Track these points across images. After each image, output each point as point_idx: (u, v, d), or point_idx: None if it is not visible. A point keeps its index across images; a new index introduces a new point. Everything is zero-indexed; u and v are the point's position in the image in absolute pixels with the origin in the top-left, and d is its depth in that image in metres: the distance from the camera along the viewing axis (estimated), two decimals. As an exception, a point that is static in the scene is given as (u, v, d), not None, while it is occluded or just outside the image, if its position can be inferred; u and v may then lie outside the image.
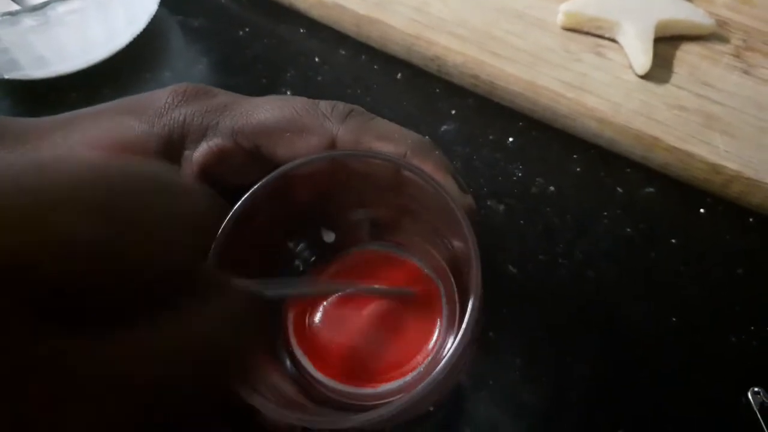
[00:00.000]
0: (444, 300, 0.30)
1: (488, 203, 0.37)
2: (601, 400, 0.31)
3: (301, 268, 0.30)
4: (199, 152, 0.27)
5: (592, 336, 0.33)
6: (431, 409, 0.31)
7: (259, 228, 0.27)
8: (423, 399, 0.21)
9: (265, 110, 0.27)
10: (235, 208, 0.25)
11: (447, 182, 0.27)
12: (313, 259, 0.31)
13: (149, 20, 0.45)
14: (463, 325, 0.23)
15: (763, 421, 0.30)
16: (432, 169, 0.26)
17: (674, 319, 0.33)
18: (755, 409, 0.30)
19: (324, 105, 0.28)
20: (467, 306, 0.23)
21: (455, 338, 0.23)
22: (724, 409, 0.31)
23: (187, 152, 0.27)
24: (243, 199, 0.25)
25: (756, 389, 0.31)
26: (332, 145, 0.27)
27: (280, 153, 0.27)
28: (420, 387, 0.21)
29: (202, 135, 0.27)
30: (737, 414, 0.30)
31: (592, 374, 0.32)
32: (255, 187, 0.25)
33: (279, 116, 0.27)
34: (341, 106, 0.28)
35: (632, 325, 0.33)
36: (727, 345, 0.33)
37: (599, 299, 0.34)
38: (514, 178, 0.38)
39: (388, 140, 0.27)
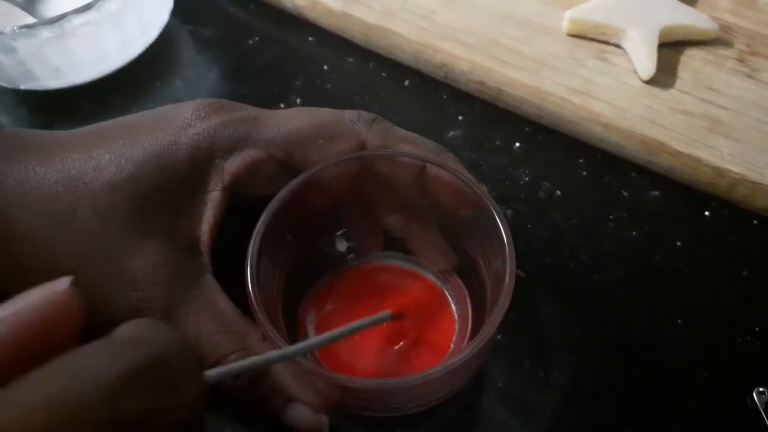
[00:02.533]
0: (454, 307, 0.31)
1: (496, 208, 0.38)
2: (608, 401, 0.32)
3: (324, 264, 0.32)
4: (231, 163, 0.28)
5: (599, 337, 0.33)
6: (442, 409, 0.32)
7: (288, 227, 0.28)
8: (453, 373, 0.23)
9: (295, 120, 0.29)
10: (271, 203, 0.27)
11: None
12: (336, 255, 0.32)
13: (161, 30, 0.46)
14: (500, 300, 0.25)
15: (769, 421, 0.30)
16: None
17: (680, 321, 0.34)
18: (760, 409, 0.31)
19: (350, 113, 0.30)
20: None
21: (490, 315, 0.24)
22: (730, 410, 0.31)
23: (217, 161, 0.28)
24: (279, 194, 0.27)
25: (761, 389, 0.31)
26: (362, 148, 0.29)
27: (313, 159, 0.29)
28: (456, 358, 0.23)
29: (233, 146, 0.28)
30: (743, 414, 0.31)
31: (598, 375, 0.32)
32: (289, 185, 0.28)
33: (309, 124, 0.29)
34: (365, 114, 0.30)
35: (638, 326, 0.34)
36: (732, 346, 0.33)
37: (606, 301, 0.35)
38: (521, 182, 0.39)
39: (411, 143, 0.30)
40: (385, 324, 0.29)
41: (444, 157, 0.30)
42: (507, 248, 0.25)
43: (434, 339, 0.30)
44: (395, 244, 0.32)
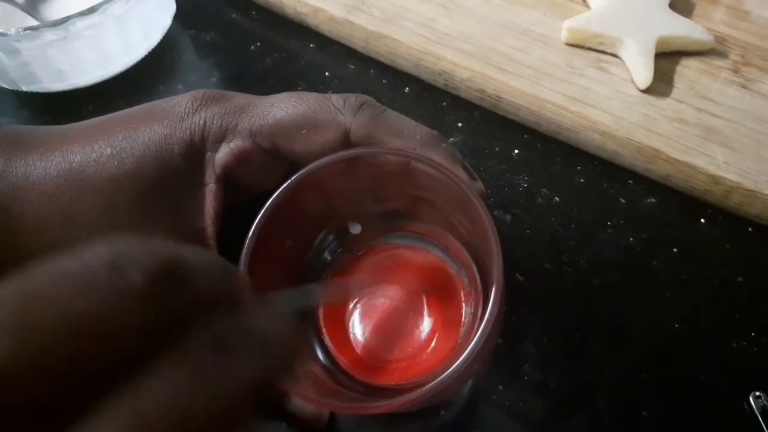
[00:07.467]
0: (467, 289, 0.31)
1: (495, 213, 0.38)
2: (606, 405, 0.32)
3: (329, 259, 0.32)
4: (220, 155, 0.28)
5: (596, 342, 0.34)
6: (442, 412, 0.32)
7: (285, 230, 0.28)
8: (447, 387, 0.22)
9: (280, 109, 0.29)
10: (260, 215, 0.26)
11: (456, 171, 0.28)
12: (339, 251, 0.32)
13: (163, 35, 0.47)
14: (488, 311, 0.23)
15: (765, 425, 0.31)
16: (441, 160, 0.28)
17: (676, 326, 0.34)
18: (757, 413, 0.31)
19: (336, 98, 0.29)
20: (490, 292, 0.24)
21: (480, 325, 0.23)
22: (727, 414, 0.32)
23: (208, 154, 0.28)
24: (267, 204, 0.26)
25: (757, 393, 0.31)
26: (346, 137, 0.28)
27: (297, 150, 0.28)
28: (444, 375, 0.22)
29: (222, 137, 0.28)
30: (739, 418, 0.31)
31: (596, 379, 0.33)
32: (279, 190, 0.26)
33: (293, 114, 0.28)
34: (353, 98, 0.29)
35: (635, 331, 0.34)
36: (728, 351, 0.33)
37: (603, 306, 0.35)
38: (520, 189, 0.40)
39: (397, 135, 0.28)
40: (401, 300, 0.30)
41: (433, 150, 0.28)
42: (494, 248, 0.24)
43: (447, 294, 0.30)
44: (404, 224, 0.32)
